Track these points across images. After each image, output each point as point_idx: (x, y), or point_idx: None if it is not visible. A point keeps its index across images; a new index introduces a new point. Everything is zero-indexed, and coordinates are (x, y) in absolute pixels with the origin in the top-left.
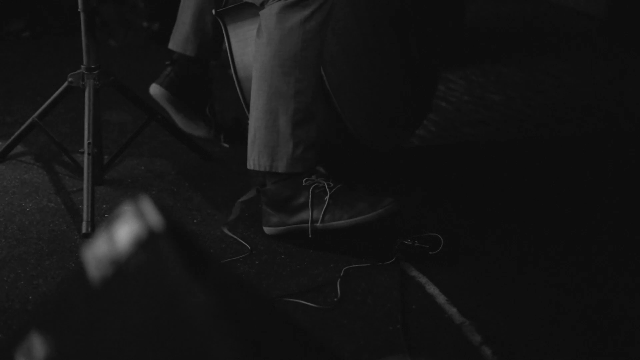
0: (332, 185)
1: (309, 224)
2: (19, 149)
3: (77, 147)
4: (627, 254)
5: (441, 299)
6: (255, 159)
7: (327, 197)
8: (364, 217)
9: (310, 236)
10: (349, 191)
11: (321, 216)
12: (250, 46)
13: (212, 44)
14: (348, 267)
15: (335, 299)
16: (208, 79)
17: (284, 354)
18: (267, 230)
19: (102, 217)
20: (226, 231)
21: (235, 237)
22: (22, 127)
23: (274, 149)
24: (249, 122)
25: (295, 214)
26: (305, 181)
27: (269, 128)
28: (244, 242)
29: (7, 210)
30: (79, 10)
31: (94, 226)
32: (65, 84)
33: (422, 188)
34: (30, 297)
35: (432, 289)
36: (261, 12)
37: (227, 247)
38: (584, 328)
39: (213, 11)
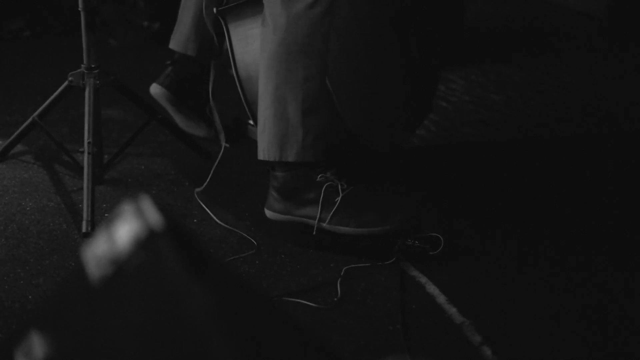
0: (345, 186)
1: (315, 222)
2: (19, 148)
3: (77, 147)
4: (627, 254)
5: (441, 299)
6: (265, 149)
7: (339, 198)
8: (370, 229)
9: (314, 233)
10: (361, 196)
11: (329, 217)
12: (251, 45)
13: (213, 43)
14: (348, 267)
15: (335, 299)
16: (208, 78)
17: (284, 354)
18: (268, 214)
19: (102, 217)
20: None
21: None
22: (22, 127)
23: (283, 137)
24: (258, 112)
25: (302, 207)
26: (320, 177)
27: (278, 116)
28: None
29: (7, 210)
30: (79, 9)
31: (94, 225)
32: (66, 83)
33: (422, 188)
34: (30, 297)
35: (432, 289)
36: (265, 0)
37: (228, 247)
38: (584, 328)
39: (214, 10)
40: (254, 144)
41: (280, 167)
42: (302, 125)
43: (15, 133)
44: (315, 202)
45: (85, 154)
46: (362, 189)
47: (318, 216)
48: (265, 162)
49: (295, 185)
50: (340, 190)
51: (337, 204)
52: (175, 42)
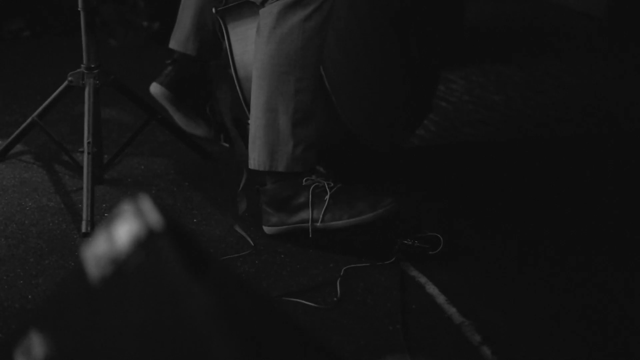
0: (332, 185)
1: (309, 224)
2: (18, 148)
3: (77, 147)
4: (627, 254)
5: (441, 298)
6: (255, 159)
7: (327, 196)
8: (363, 217)
9: (310, 236)
10: (349, 191)
11: (321, 216)
12: (250, 45)
13: (212, 42)
14: (348, 267)
15: (335, 299)
16: (208, 78)
17: (284, 354)
18: (267, 230)
19: (101, 217)
20: (238, 229)
21: (243, 233)
22: (22, 126)
23: (274, 148)
24: (250, 121)
25: (295, 213)
26: (305, 181)
27: (268, 127)
28: (249, 239)
29: (6, 210)
30: (79, 9)
31: (93, 225)
32: (65, 83)
33: (422, 188)
34: (29, 296)
35: (432, 288)
36: (261, 11)
37: (227, 246)
38: (584, 328)
39: (213, 10)
40: None
41: (269, 178)
42: (292, 137)
43: (15, 133)
44: (306, 205)
45: (85, 154)
46: (350, 185)
47: (310, 218)
48: (255, 173)
49: (284, 195)
50: (327, 188)
51: (327, 202)
52: (175, 42)
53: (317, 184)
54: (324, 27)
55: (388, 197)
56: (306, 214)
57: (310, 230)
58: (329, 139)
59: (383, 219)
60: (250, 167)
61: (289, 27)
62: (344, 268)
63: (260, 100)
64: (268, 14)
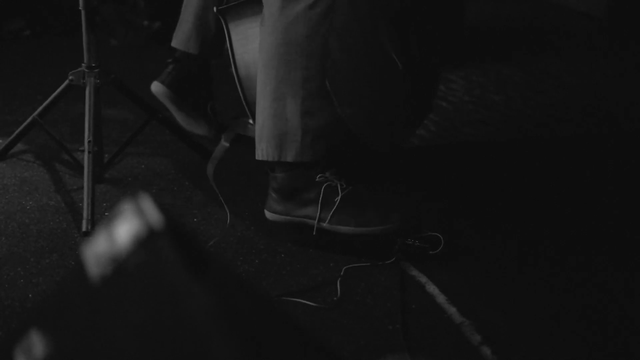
0: (344, 186)
1: (315, 222)
2: (19, 147)
3: (78, 146)
4: (627, 254)
5: (441, 298)
6: (263, 149)
7: (338, 198)
8: (370, 229)
9: (314, 233)
10: (361, 195)
11: (329, 217)
12: (251, 44)
13: (214, 41)
14: (348, 266)
15: (335, 299)
16: (210, 77)
17: (284, 354)
18: (268, 215)
19: (102, 216)
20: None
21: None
22: (23, 126)
23: (282, 137)
24: (256, 112)
25: (302, 207)
26: (319, 177)
27: (277, 117)
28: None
29: (7, 209)
30: (79, 8)
31: (94, 224)
32: (66, 82)
33: (422, 188)
34: (29, 295)
35: (432, 288)
36: (264, 0)
37: (227, 246)
38: (584, 328)
39: (214, 9)
40: (254, 143)
41: (279, 168)
42: (301, 126)
43: (16, 132)
44: (315, 202)
45: (86, 153)
46: (362, 188)
47: (318, 216)
48: (264, 163)
49: (295, 186)
50: (339, 189)
51: (337, 203)
52: (177, 40)
53: (329, 182)
54: (328, 14)
55: (399, 209)
56: (313, 211)
57: (314, 228)
58: (329, 139)
59: (389, 233)
60: (257, 158)
61: (293, 15)
62: (344, 268)
63: (266, 90)
64: (272, 3)
